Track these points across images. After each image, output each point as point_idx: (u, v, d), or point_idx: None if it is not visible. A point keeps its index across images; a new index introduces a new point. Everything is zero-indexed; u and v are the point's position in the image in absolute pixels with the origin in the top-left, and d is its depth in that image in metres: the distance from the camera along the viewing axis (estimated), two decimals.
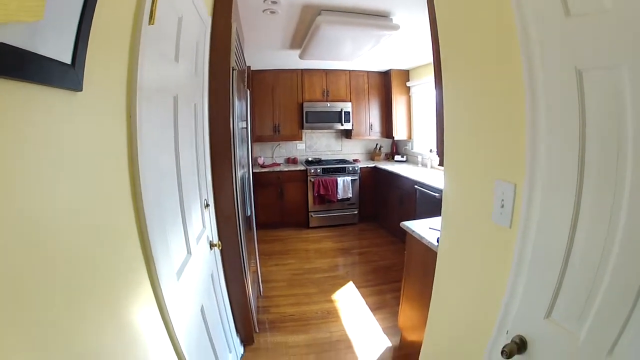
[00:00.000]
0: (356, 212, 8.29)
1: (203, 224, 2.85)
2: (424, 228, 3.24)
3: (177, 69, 2.16)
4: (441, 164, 2.31)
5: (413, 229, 3.29)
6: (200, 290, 2.47)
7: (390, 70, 8.22)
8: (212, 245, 2.98)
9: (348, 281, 5.52)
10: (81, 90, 1.08)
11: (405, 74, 8.23)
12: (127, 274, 1.36)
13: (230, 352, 3.43)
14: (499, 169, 1.71)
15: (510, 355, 1.48)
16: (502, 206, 1.67)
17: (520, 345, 1.51)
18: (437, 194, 5.37)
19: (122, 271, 1.32)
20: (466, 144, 1.99)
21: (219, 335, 3.06)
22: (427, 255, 3.00)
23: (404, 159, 8.54)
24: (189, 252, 2.27)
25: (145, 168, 1.53)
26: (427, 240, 3.01)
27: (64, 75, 1.00)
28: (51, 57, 0.94)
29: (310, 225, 8.11)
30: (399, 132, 8.31)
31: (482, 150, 1.84)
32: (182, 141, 2.21)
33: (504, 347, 1.51)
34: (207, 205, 2.97)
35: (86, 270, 1.09)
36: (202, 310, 2.44)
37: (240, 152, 3.92)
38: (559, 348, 1.37)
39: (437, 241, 2.47)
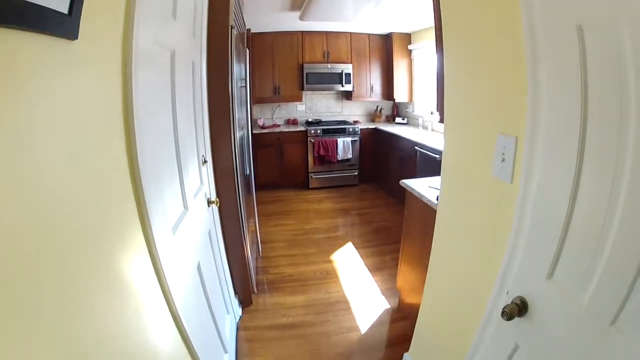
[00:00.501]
0: (356, 174, 8.18)
1: (200, 181, 2.72)
2: (424, 186, 3.14)
3: (174, 26, 2.06)
4: (442, 121, 2.26)
5: (412, 187, 3.20)
6: (197, 247, 2.36)
7: (391, 33, 7.92)
8: (209, 202, 2.88)
9: (347, 242, 5.43)
10: (76, 38, 1.04)
11: (407, 37, 7.98)
12: (119, 225, 1.28)
13: (228, 313, 3.35)
14: (500, 123, 1.67)
15: (510, 316, 1.43)
16: (503, 160, 1.62)
17: (521, 306, 1.45)
18: (437, 156, 5.25)
19: (114, 221, 1.25)
20: (467, 100, 1.94)
21: (217, 295, 2.94)
22: (427, 213, 2.90)
23: (405, 121, 8.32)
24: (185, 207, 2.17)
25: (140, 120, 1.45)
26: (426, 198, 2.91)
27: (60, 23, 0.97)
28: (48, 7, 0.91)
29: (310, 186, 8.01)
30: (400, 95, 8.10)
31: (483, 105, 1.79)
32: (179, 96, 2.10)
33: (504, 308, 1.45)
34: (205, 161, 2.85)
35: (78, 219, 1.03)
36: (198, 268, 2.33)
37: (240, 114, 3.81)
38: (561, 312, 1.30)
39: (437, 199, 2.39)
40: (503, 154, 1.62)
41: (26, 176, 0.83)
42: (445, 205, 2.27)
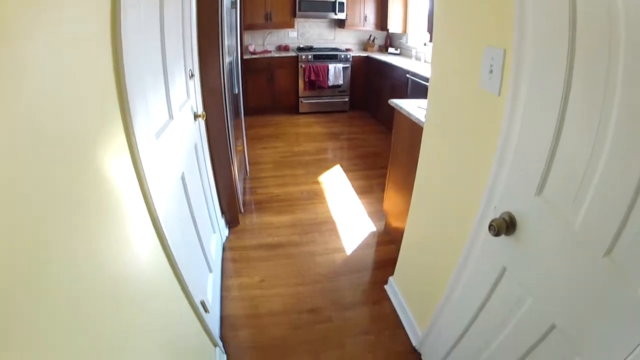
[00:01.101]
0: (347, 100, 7.96)
1: (187, 94, 2.56)
2: (413, 106, 2.99)
3: None
4: (431, 40, 2.19)
5: (401, 105, 3.06)
6: (182, 157, 2.25)
7: None
8: (196, 117, 2.74)
9: (336, 164, 5.36)
10: None
11: None
12: (100, 123, 1.16)
13: (214, 232, 3.26)
14: (487, 36, 1.58)
15: (498, 231, 1.36)
16: (491, 71, 1.53)
17: (509, 223, 1.37)
18: (428, 83, 4.90)
19: (94, 119, 1.12)
20: (455, 14, 1.86)
21: (202, 212, 2.84)
22: (415, 133, 2.76)
23: (398, 52, 7.98)
24: (170, 116, 2.05)
25: (127, 21, 1.32)
26: (414, 116, 2.79)
27: None
28: None
29: (300, 111, 7.73)
30: (394, 25, 7.70)
31: (471, 17, 1.71)
32: (167, 5, 1.97)
33: (491, 222, 1.38)
34: (192, 75, 2.69)
35: (57, 115, 0.91)
36: (182, 178, 2.22)
37: (229, 41, 3.63)
38: (552, 233, 1.21)
39: (425, 117, 2.29)
40: (491, 65, 1.52)
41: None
42: (432, 120, 2.19)
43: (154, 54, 1.82)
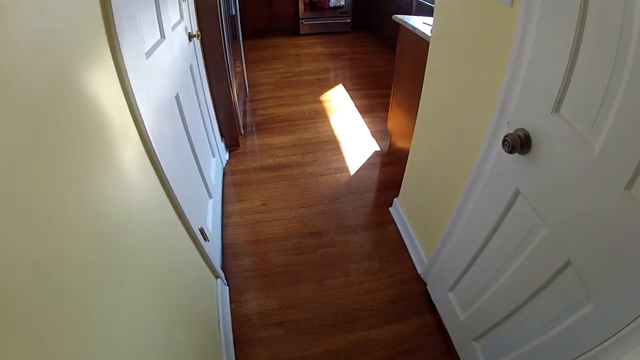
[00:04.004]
0: (349, 21, 7.52)
1: (181, 15, 2.40)
2: (418, 22, 2.75)
3: None
4: None
5: (406, 20, 2.83)
6: (175, 77, 2.11)
7: None
8: (190, 37, 2.55)
9: (338, 84, 5.15)
10: None
11: None
12: (84, 39, 1.03)
13: (214, 157, 3.12)
14: None
15: (512, 147, 1.22)
16: None
17: (523, 140, 1.22)
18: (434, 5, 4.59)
19: (76, 33, 0.99)
20: None
21: (200, 137, 2.68)
22: (420, 50, 2.55)
23: None
24: (162, 36, 1.94)
25: None
26: (420, 30, 2.55)
27: None
28: None
29: (301, 33, 7.42)
30: None
31: None
32: None
33: (505, 136, 1.24)
34: None
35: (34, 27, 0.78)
36: (177, 98, 2.09)
37: None
38: (569, 156, 1.06)
39: (431, 32, 2.10)
40: None
41: None
42: (439, 32, 1.97)
43: None
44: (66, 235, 0.79)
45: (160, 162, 1.48)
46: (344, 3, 7.23)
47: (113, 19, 1.19)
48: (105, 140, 1.06)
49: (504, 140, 1.22)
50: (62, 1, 0.91)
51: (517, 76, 1.27)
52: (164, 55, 1.93)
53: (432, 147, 2.19)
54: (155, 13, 1.88)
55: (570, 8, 0.97)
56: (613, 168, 0.91)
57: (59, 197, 0.79)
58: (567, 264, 1.11)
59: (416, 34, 2.62)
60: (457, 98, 1.82)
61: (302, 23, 7.33)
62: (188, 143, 2.25)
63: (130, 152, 1.27)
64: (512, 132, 1.25)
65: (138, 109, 1.34)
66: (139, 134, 1.36)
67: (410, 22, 2.74)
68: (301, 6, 7.16)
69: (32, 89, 0.75)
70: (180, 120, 2.15)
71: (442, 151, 2.04)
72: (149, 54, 1.66)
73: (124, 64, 1.25)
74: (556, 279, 1.18)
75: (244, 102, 4.54)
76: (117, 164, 1.14)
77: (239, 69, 4.32)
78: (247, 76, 4.76)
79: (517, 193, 1.33)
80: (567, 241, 1.11)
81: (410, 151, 2.48)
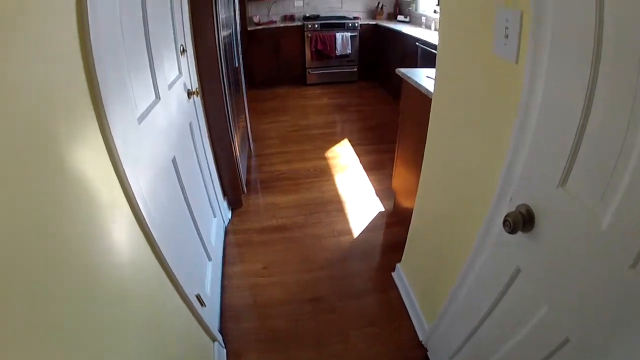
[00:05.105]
0: (355, 70, 7.76)
1: (179, 70, 2.45)
2: (422, 76, 2.82)
3: None
4: (438, 3, 2.01)
5: (409, 75, 2.88)
6: (172, 139, 2.14)
7: None
8: (190, 94, 2.61)
9: (344, 138, 5.25)
10: None
11: None
12: (65, 109, 1.05)
13: (215, 216, 3.16)
14: None
15: (514, 227, 1.18)
16: (506, 36, 1.32)
17: (526, 218, 1.18)
18: (437, 51, 4.77)
19: (58, 106, 1.01)
20: None
21: (200, 197, 2.75)
22: (424, 105, 2.55)
23: (407, 19, 7.79)
24: (157, 96, 1.95)
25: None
26: (423, 87, 2.60)
27: None
28: None
29: (308, 82, 7.63)
30: None
31: None
32: None
33: (506, 216, 1.20)
34: (184, 50, 2.57)
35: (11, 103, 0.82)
36: (173, 162, 2.11)
37: (227, 13, 3.52)
38: (574, 233, 1.04)
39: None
40: (506, 28, 1.32)
41: None
42: (441, 90, 2.03)
43: (133, 30, 1.72)
44: (46, 296, 0.84)
45: (152, 231, 1.50)
46: (350, 51, 7.47)
47: (99, 89, 1.21)
48: (91, 213, 1.10)
49: (505, 221, 1.21)
50: (43, 73, 0.94)
51: (521, 147, 1.25)
52: (160, 117, 1.94)
53: (434, 213, 2.24)
54: (150, 74, 1.89)
55: (580, 72, 0.94)
56: (619, 244, 0.89)
57: (41, 267, 0.83)
58: (566, 341, 1.12)
59: (419, 90, 2.67)
60: (459, 163, 1.84)
61: (309, 72, 7.55)
62: (186, 207, 2.28)
63: (119, 223, 1.30)
64: (513, 209, 1.24)
65: (128, 181, 1.35)
66: (129, 204, 1.38)
67: (413, 77, 2.79)
68: (308, 54, 7.39)
69: (7, 168, 0.77)
70: (178, 184, 2.17)
71: (444, 218, 2.08)
72: (142, 118, 1.67)
73: (112, 136, 1.26)
74: (555, 355, 1.19)
75: (249, 157, 4.62)
76: (105, 235, 1.17)
77: (242, 123, 4.40)
78: (251, 130, 4.86)
79: (517, 270, 1.34)
80: (567, 319, 1.11)
81: (412, 215, 2.53)
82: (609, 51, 0.87)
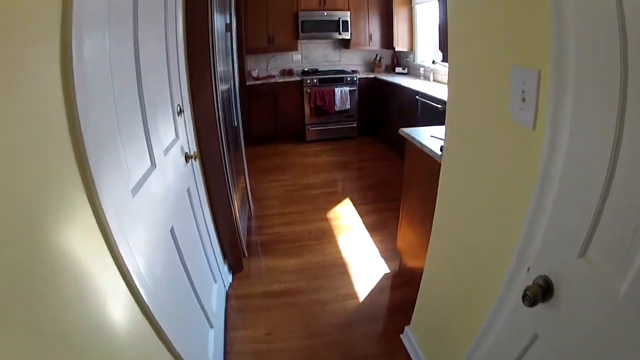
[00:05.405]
0: (355, 125, 7.86)
1: (176, 133, 2.44)
2: (425, 136, 2.85)
3: None
4: (445, 59, 2.02)
5: (413, 135, 2.92)
6: (170, 209, 2.10)
7: None
8: (188, 158, 2.59)
9: (345, 198, 5.25)
10: None
11: None
12: (49, 185, 1.01)
13: (215, 282, 3.12)
14: (516, 53, 1.36)
15: (533, 301, 1.16)
16: (523, 100, 1.30)
17: (544, 288, 1.16)
18: (440, 106, 4.98)
19: (40, 183, 0.97)
20: (473, 26, 1.66)
21: (200, 264, 2.71)
22: (429, 166, 2.62)
23: (405, 71, 7.97)
24: (152, 164, 1.89)
25: (85, 57, 1.17)
26: (428, 148, 2.63)
27: None
28: None
29: (307, 139, 7.66)
30: (400, 43, 7.72)
31: (494, 29, 1.50)
32: (143, 32, 1.82)
33: (525, 291, 1.18)
34: (181, 111, 2.56)
35: None
36: (172, 232, 2.06)
37: (225, 67, 3.54)
38: (593, 302, 1.03)
39: (441, 149, 2.16)
40: (523, 91, 1.30)
41: None
42: (451, 157, 2.01)
43: (126, 94, 1.67)
44: None
45: (150, 307, 1.48)
46: (349, 106, 7.56)
47: (89, 165, 1.16)
48: (85, 296, 1.07)
49: (525, 295, 1.18)
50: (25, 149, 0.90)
51: (541, 217, 1.22)
52: (156, 186, 1.89)
53: (445, 279, 2.21)
54: (145, 139, 1.83)
55: (604, 139, 0.93)
56: (636, 312, 0.89)
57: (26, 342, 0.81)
58: None
59: (424, 151, 2.68)
60: (472, 232, 1.83)
61: (308, 129, 7.60)
62: (185, 277, 2.24)
63: (115, 302, 1.28)
64: (531, 282, 1.22)
65: (123, 259, 1.32)
66: (125, 282, 1.35)
67: (417, 139, 2.82)
68: (307, 110, 7.47)
69: None
70: (177, 254, 2.13)
71: (456, 284, 2.06)
72: (136, 189, 1.62)
73: (105, 215, 1.22)
74: None
75: (249, 218, 4.60)
76: (101, 317, 1.15)
77: (242, 184, 4.41)
78: (251, 190, 4.85)
79: (534, 337, 1.31)
80: None
81: (422, 279, 2.49)
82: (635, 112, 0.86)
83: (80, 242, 1.11)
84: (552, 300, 1.17)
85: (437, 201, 2.19)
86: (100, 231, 1.23)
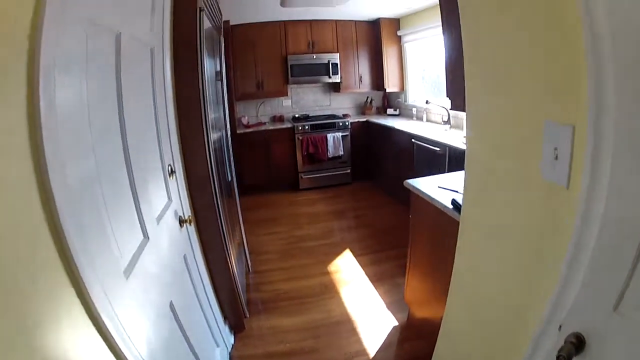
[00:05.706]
0: (349, 171, 7.82)
1: (168, 196, 2.35)
2: (432, 187, 2.79)
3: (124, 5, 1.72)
4: (454, 107, 2.19)
5: (420, 188, 2.84)
6: (167, 281, 2.02)
7: (379, 19, 7.62)
8: (182, 222, 2.50)
9: (345, 249, 5.15)
10: None
11: (396, 23, 7.70)
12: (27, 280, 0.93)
13: (218, 346, 3.03)
14: (547, 105, 1.29)
15: None
16: (556, 158, 1.24)
17: (577, 345, 1.11)
18: (437, 148, 4.92)
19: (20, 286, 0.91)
20: (499, 80, 1.55)
21: (201, 331, 2.61)
22: (438, 219, 2.56)
23: (397, 112, 8.06)
24: (145, 236, 1.81)
25: (58, 124, 1.10)
26: (438, 202, 2.55)
27: None
28: None
29: (301, 187, 7.61)
30: (391, 84, 7.81)
31: (523, 82, 1.40)
32: (127, 93, 1.72)
33: (560, 352, 1.10)
34: (173, 171, 2.46)
35: None
36: (171, 307, 1.99)
37: (216, 114, 3.52)
38: (628, 349, 0.99)
39: (452, 203, 2.16)
40: (556, 148, 1.24)
41: None
42: (472, 215, 1.90)
43: (112, 165, 1.56)
44: None
45: None
46: (342, 152, 7.52)
47: (71, 253, 1.08)
48: None
49: (559, 357, 1.10)
50: None
51: (575, 274, 1.17)
52: (150, 262, 1.80)
53: (464, 338, 2.12)
54: (135, 210, 1.74)
55: None
56: None
57: None
58: None
59: (432, 204, 2.62)
60: (498, 288, 1.74)
61: (301, 177, 7.55)
62: (188, 349, 2.18)
63: None
64: (563, 342, 1.15)
65: (121, 350, 1.27)
66: None
67: (425, 191, 2.75)
68: (299, 158, 7.43)
69: None
70: (178, 329, 2.07)
71: (477, 344, 1.97)
72: (129, 270, 1.53)
73: (95, 306, 1.16)
74: None
75: (246, 273, 4.52)
76: None
77: (238, 240, 4.34)
78: (247, 243, 4.78)
79: None
80: None
81: (439, 336, 2.37)
82: None
83: (71, 343, 1.05)
84: (584, 354, 1.12)
85: (455, 257, 2.09)
86: (94, 326, 1.18)
